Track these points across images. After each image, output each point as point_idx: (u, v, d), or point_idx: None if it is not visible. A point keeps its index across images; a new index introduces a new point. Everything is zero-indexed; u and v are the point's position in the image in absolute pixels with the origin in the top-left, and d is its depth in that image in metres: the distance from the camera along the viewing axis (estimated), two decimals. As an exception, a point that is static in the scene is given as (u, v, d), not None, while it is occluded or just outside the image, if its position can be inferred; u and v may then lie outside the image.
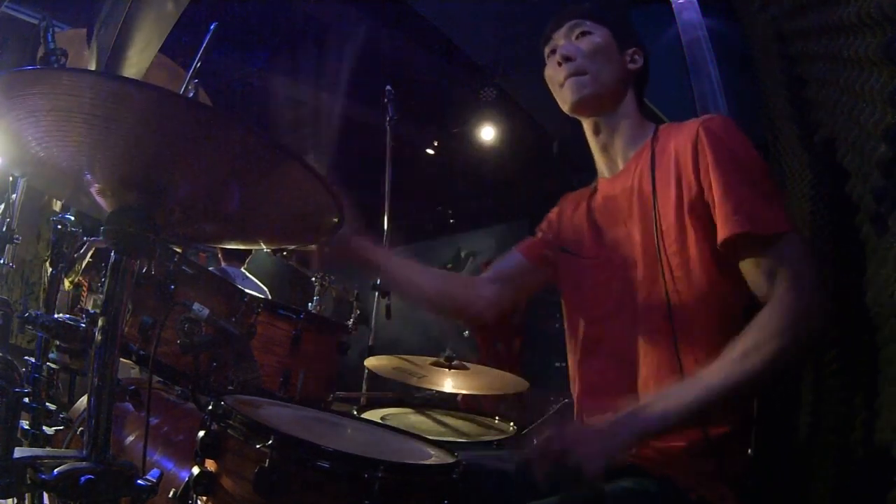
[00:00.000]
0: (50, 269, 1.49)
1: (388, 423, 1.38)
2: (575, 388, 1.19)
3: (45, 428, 1.44)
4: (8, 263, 1.93)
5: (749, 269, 0.95)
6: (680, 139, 1.05)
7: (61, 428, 1.49)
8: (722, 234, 0.94)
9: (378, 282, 2.31)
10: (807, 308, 0.88)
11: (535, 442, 0.97)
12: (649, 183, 1.05)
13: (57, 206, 1.65)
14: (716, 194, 0.96)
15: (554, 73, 1.19)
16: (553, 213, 1.34)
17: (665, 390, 0.95)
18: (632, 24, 1.35)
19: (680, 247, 1.02)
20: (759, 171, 0.98)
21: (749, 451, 1.00)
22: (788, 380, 1.18)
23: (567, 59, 1.15)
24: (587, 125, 1.21)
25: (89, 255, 1.35)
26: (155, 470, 0.83)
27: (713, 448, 0.96)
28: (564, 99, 1.17)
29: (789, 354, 0.88)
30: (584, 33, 1.17)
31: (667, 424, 0.87)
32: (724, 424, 0.97)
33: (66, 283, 1.47)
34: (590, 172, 1.30)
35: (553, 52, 1.19)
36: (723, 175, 0.96)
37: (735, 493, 0.96)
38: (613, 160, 1.19)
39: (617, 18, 1.21)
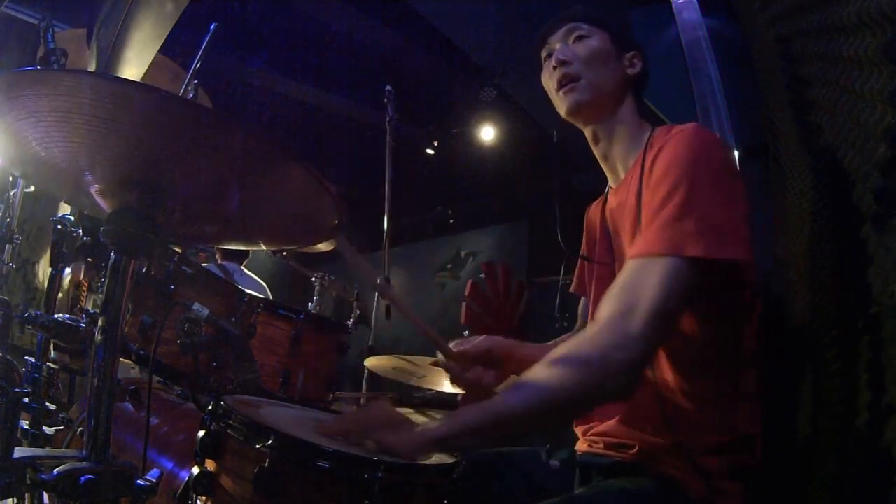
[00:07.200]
0: (50, 269, 1.49)
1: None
2: None
3: (45, 428, 1.44)
4: (8, 263, 1.94)
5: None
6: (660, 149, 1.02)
7: (61, 428, 1.49)
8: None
9: (378, 281, 2.31)
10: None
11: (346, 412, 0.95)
12: (636, 198, 1.02)
13: (66, 208, 1.65)
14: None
15: (549, 79, 1.16)
16: (585, 225, 1.32)
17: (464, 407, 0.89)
18: (630, 26, 1.34)
19: None
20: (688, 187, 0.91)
21: (757, 449, 0.99)
22: (789, 380, 1.18)
23: (563, 63, 1.12)
24: (587, 133, 1.19)
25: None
26: (155, 470, 0.83)
27: (717, 446, 0.96)
28: (559, 105, 1.15)
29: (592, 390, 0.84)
30: (580, 37, 1.14)
31: (443, 447, 0.85)
32: (730, 422, 0.97)
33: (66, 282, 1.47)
34: (590, 173, 1.30)
35: (549, 56, 1.16)
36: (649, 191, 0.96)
37: (739, 492, 0.96)
38: (615, 169, 1.17)
39: (616, 22, 1.17)
